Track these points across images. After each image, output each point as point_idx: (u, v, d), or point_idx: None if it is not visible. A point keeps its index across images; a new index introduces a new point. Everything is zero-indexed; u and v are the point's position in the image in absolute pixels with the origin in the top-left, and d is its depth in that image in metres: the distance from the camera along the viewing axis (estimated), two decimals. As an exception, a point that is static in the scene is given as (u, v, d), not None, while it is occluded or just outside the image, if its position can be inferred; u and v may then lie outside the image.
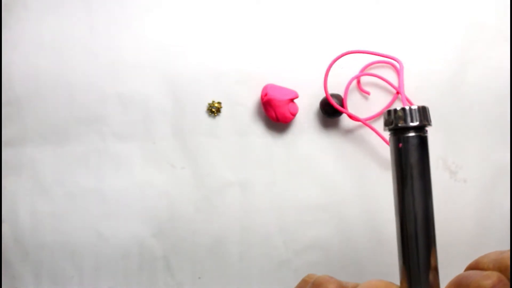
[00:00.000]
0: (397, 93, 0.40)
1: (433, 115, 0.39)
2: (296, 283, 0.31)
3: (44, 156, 0.41)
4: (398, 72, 0.40)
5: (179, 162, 0.40)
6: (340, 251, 0.39)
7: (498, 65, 0.40)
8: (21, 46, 0.41)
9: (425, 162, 0.25)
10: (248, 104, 0.40)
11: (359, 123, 0.40)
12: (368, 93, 0.40)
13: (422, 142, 0.25)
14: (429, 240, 0.24)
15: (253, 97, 0.40)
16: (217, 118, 0.40)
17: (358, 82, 0.40)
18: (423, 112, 0.25)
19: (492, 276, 0.22)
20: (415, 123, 0.25)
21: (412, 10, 0.40)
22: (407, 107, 0.25)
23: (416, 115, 0.25)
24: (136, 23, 0.41)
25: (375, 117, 0.40)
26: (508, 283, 0.22)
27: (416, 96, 0.40)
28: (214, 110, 0.40)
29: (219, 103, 0.40)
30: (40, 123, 0.41)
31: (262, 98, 0.39)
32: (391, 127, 0.26)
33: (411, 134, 0.25)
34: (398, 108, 0.26)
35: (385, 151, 0.40)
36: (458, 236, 0.39)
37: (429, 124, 0.26)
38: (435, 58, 0.40)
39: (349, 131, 0.40)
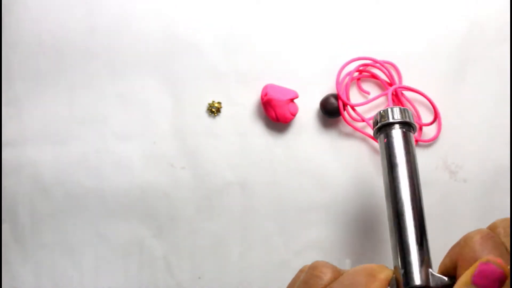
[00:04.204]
0: (395, 91, 0.40)
1: (433, 115, 0.40)
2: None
3: (44, 156, 0.41)
4: (398, 71, 0.40)
5: (179, 162, 0.40)
6: (340, 251, 0.39)
7: (498, 65, 0.40)
8: (21, 46, 0.41)
9: (411, 151, 0.28)
10: (248, 104, 0.40)
11: (359, 122, 0.40)
12: (368, 92, 0.40)
13: (406, 136, 0.28)
14: (419, 219, 0.26)
15: (253, 97, 0.40)
16: (217, 118, 0.40)
17: (358, 82, 0.40)
18: (404, 111, 0.29)
19: (482, 231, 0.22)
20: (397, 119, 0.28)
21: (412, 10, 0.40)
22: (389, 108, 0.29)
23: (397, 113, 0.28)
24: (136, 23, 0.41)
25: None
26: (495, 236, 0.22)
27: (416, 96, 0.40)
28: (214, 110, 0.40)
29: (219, 103, 0.40)
30: (40, 123, 0.41)
31: (262, 98, 0.39)
32: (377, 126, 0.29)
33: (395, 129, 0.28)
34: (382, 109, 0.29)
35: (385, 151, 0.40)
36: (458, 236, 0.39)
37: (410, 121, 0.28)
38: (435, 58, 0.40)
39: (349, 131, 0.40)
